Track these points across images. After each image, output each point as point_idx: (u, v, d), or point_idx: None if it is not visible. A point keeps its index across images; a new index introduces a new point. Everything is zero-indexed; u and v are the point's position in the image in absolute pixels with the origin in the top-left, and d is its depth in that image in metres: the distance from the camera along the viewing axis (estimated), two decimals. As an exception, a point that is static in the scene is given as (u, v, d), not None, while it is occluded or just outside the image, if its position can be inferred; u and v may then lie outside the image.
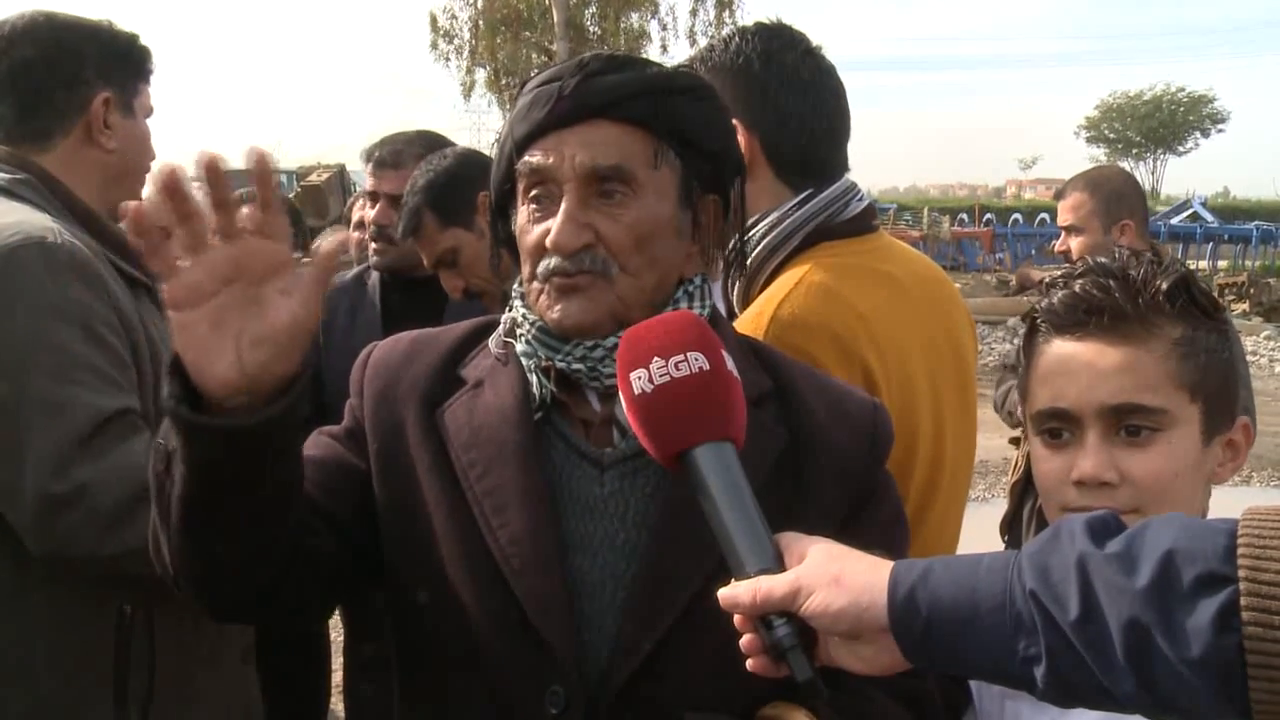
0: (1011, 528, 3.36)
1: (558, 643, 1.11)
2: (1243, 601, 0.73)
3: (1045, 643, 0.81)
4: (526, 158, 1.17)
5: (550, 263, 1.16)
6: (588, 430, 1.20)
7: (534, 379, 1.20)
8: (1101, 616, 0.79)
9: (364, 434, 1.24)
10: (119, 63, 1.82)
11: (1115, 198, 3.32)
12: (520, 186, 1.20)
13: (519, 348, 1.23)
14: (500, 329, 1.27)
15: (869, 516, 1.21)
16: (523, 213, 1.20)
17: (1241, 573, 0.74)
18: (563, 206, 1.15)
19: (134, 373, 1.63)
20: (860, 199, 1.68)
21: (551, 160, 1.15)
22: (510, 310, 1.27)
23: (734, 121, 1.54)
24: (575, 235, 1.14)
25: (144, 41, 1.88)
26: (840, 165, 1.69)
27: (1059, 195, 3.46)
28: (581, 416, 1.21)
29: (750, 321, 1.53)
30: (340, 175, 16.61)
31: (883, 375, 1.52)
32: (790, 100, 1.62)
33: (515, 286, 1.27)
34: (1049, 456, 1.22)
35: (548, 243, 1.15)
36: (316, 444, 1.26)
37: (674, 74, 1.22)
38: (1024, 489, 3.26)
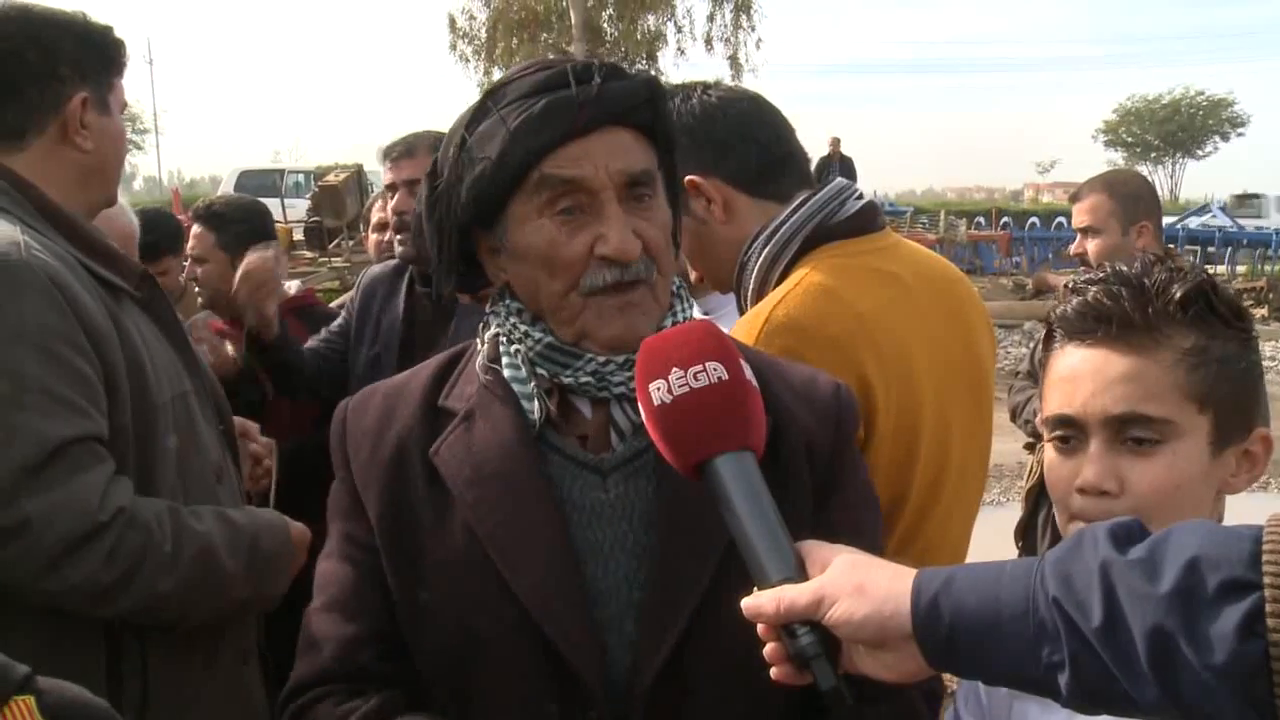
0: (1026, 534, 3.35)
1: (588, 674, 1.11)
2: (1268, 608, 0.73)
3: (1069, 650, 0.81)
4: (551, 170, 1.14)
5: (607, 275, 1.15)
6: (583, 440, 1.20)
7: (534, 404, 1.19)
8: (1125, 623, 0.79)
9: (364, 508, 1.22)
10: (95, 58, 1.73)
11: (1133, 199, 3.31)
12: (541, 198, 1.15)
13: (507, 373, 1.21)
14: (482, 356, 1.25)
15: (839, 496, 1.23)
16: (548, 226, 1.15)
17: (1266, 579, 0.74)
18: (611, 215, 1.15)
19: (102, 390, 1.54)
20: (858, 198, 1.69)
21: (585, 170, 1.14)
22: (488, 330, 1.25)
23: (695, 177, 1.64)
24: (634, 243, 1.15)
25: (118, 34, 1.79)
26: (801, 156, 1.73)
27: (1074, 198, 3.44)
28: (576, 428, 1.20)
29: (746, 324, 1.54)
30: (358, 175, 16.65)
31: (880, 376, 1.52)
32: (717, 129, 1.67)
33: (502, 303, 1.25)
34: (1059, 462, 1.23)
35: (609, 252, 1.14)
36: (348, 559, 1.23)
37: (657, 80, 1.25)
38: (1039, 495, 3.25)
